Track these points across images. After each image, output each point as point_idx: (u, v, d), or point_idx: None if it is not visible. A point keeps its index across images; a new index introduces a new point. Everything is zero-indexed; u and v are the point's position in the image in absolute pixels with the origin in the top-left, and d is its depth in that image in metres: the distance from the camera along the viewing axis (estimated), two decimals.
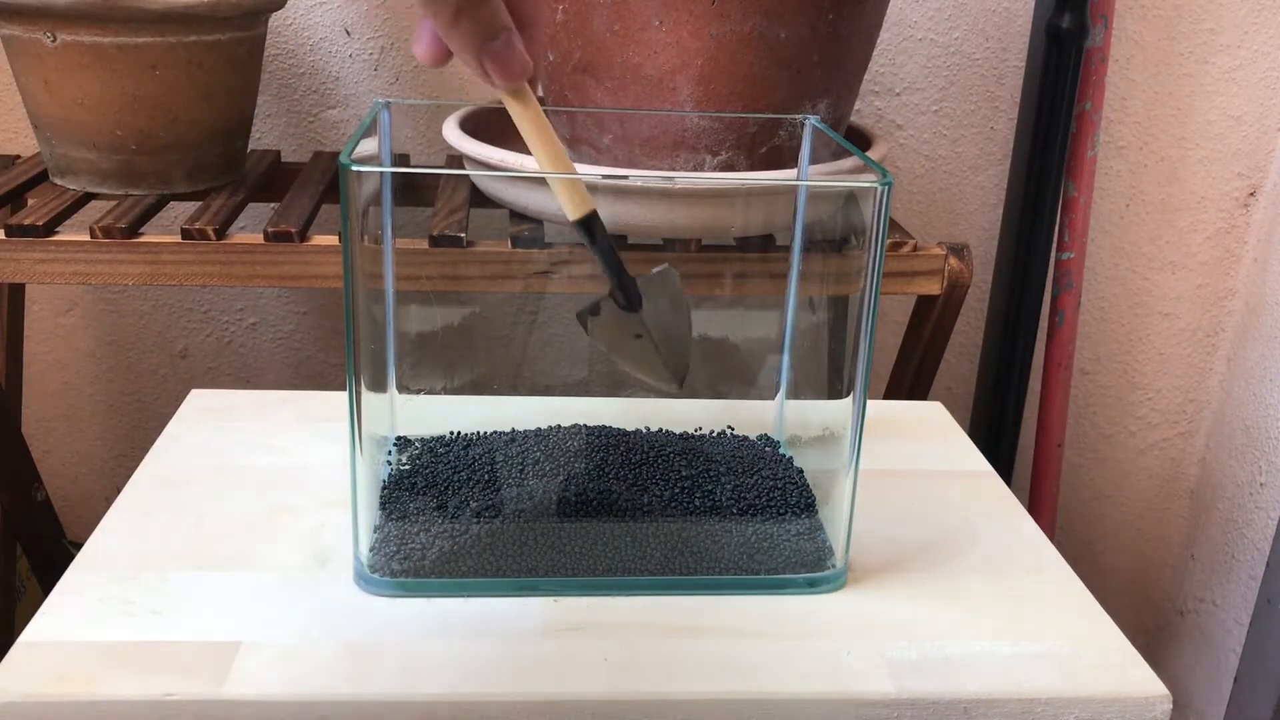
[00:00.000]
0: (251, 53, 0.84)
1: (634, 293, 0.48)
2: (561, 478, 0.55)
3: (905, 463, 0.65)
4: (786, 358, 0.62)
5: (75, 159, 0.81)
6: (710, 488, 0.54)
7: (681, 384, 0.51)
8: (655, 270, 0.49)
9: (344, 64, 1.00)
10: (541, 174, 0.45)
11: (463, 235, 0.74)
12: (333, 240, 0.76)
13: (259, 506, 0.57)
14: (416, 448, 0.58)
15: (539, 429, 0.59)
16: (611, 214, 0.72)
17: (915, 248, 0.80)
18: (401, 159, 0.99)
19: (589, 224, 0.46)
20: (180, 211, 0.95)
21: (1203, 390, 1.20)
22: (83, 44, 0.75)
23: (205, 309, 1.08)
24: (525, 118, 0.44)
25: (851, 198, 0.52)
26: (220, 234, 0.75)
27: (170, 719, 0.44)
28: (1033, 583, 0.54)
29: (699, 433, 0.61)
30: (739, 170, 0.74)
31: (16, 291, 0.96)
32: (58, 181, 0.83)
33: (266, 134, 1.01)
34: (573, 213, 0.45)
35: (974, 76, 1.05)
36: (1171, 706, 0.47)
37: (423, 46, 0.42)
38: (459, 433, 0.59)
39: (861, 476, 0.52)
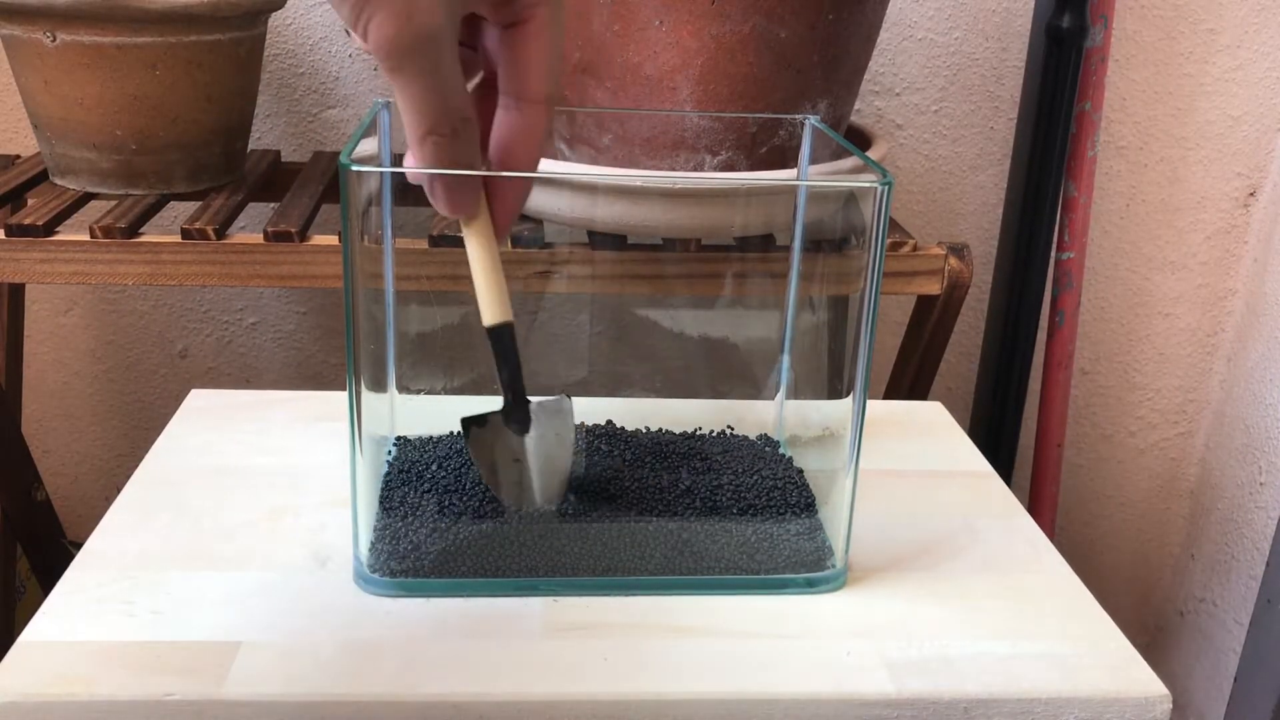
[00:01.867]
0: (251, 53, 0.84)
1: (525, 416, 0.48)
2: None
3: (905, 463, 0.65)
4: (786, 358, 0.62)
5: (75, 159, 0.81)
6: (710, 488, 0.54)
7: (548, 506, 0.51)
8: (551, 399, 0.49)
9: (344, 64, 1.00)
10: (534, 174, 0.45)
11: (462, 235, 0.74)
12: (333, 240, 0.76)
13: (259, 506, 0.57)
14: (416, 448, 0.58)
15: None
16: (612, 214, 0.73)
17: (915, 248, 0.80)
18: (401, 159, 0.99)
19: (501, 334, 0.46)
20: (180, 211, 0.95)
21: (1203, 390, 1.20)
22: (83, 44, 0.75)
23: (205, 309, 1.08)
24: (473, 236, 0.44)
25: (851, 198, 0.52)
26: (220, 234, 0.75)
27: (170, 719, 0.44)
28: (1033, 583, 0.54)
29: (699, 433, 0.61)
30: (739, 170, 0.74)
31: (16, 291, 0.96)
32: (58, 181, 0.83)
33: (266, 134, 1.01)
34: (489, 318, 0.46)
35: (974, 76, 1.05)
36: (1171, 706, 0.47)
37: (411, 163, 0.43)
38: (459, 433, 0.59)
39: (861, 476, 0.52)
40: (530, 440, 0.50)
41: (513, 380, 0.47)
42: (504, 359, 0.47)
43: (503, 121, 0.43)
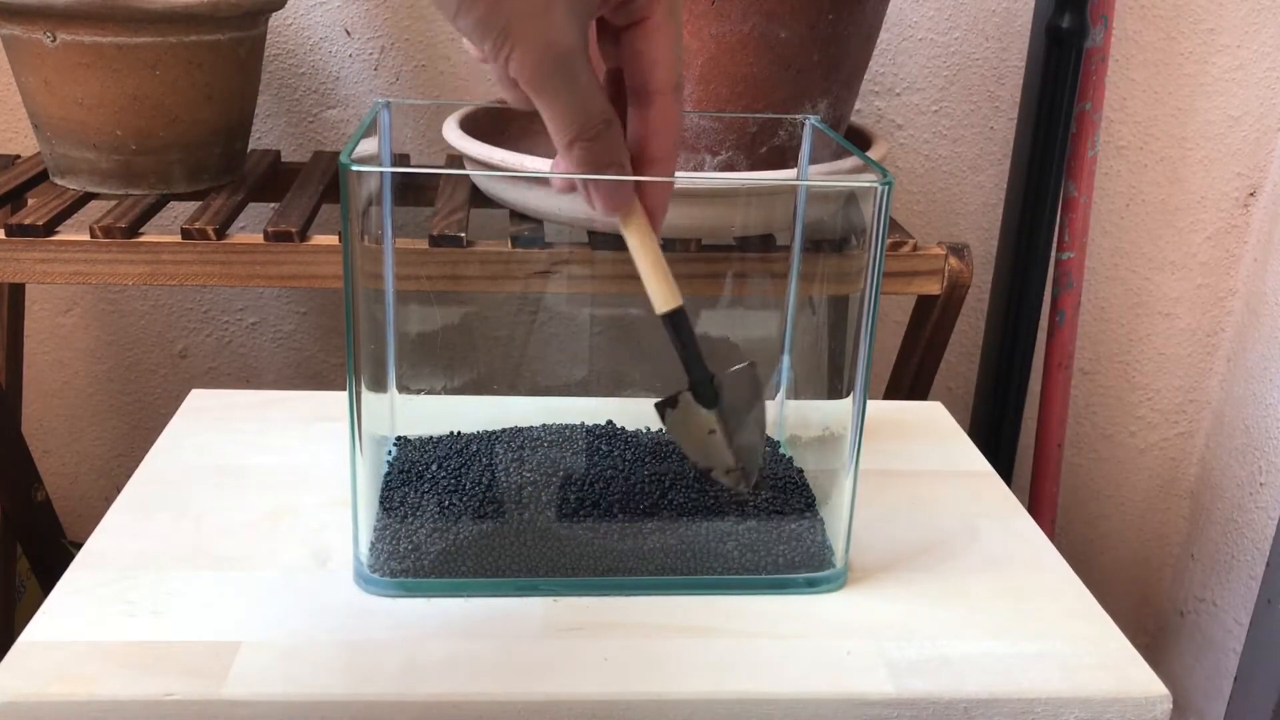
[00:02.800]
0: (251, 53, 0.84)
1: (710, 389, 0.49)
2: (561, 478, 0.55)
3: (905, 463, 0.65)
4: (786, 358, 0.62)
5: (75, 159, 0.81)
6: (710, 488, 0.54)
7: (755, 487, 0.51)
8: (735, 368, 0.50)
9: (344, 64, 1.00)
10: (554, 174, 0.45)
11: (463, 235, 0.74)
12: (333, 240, 0.76)
13: (259, 506, 0.57)
14: (416, 447, 0.58)
15: (539, 429, 0.59)
16: None
17: (915, 248, 0.80)
18: (401, 159, 0.99)
19: (675, 318, 0.47)
20: (180, 211, 0.95)
21: (1203, 390, 1.20)
22: (83, 44, 0.75)
23: (205, 309, 1.08)
24: (631, 231, 0.45)
25: (851, 197, 0.52)
26: (220, 234, 0.75)
27: (170, 719, 0.44)
28: (1033, 583, 0.54)
29: None
30: (739, 170, 0.74)
31: (16, 291, 0.96)
32: (58, 181, 0.83)
33: (266, 134, 1.01)
34: (662, 305, 0.47)
35: (974, 76, 1.05)
36: (1171, 706, 0.47)
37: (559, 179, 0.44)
38: (459, 432, 0.59)
39: (861, 476, 0.52)
40: (722, 411, 0.50)
41: (693, 358, 0.48)
42: (682, 341, 0.48)
43: (636, 117, 0.44)
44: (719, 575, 0.52)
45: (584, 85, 0.41)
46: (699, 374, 0.48)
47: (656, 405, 0.49)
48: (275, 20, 0.97)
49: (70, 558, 0.52)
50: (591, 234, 0.76)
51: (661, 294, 0.46)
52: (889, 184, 0.47)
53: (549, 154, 0.83)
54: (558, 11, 0.39)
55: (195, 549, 0.53)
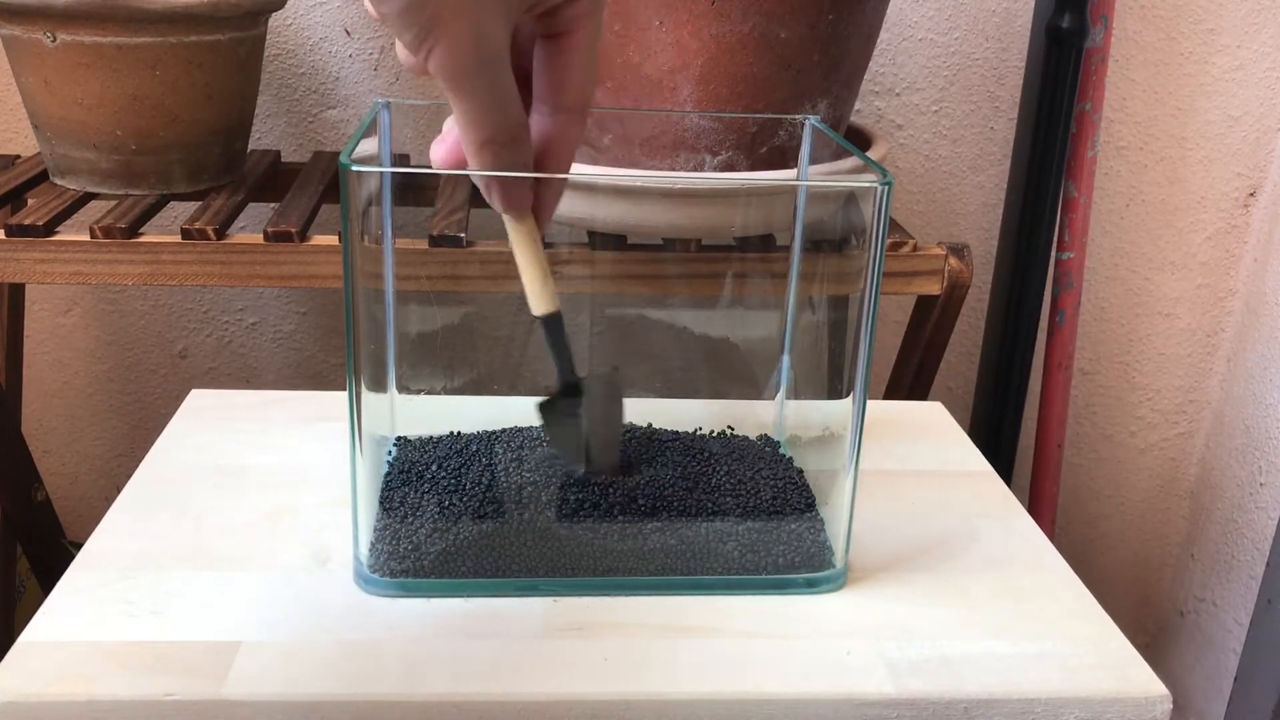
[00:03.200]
0: (251, 53, 0.84)
1: (578, 392, 0.51)
2: (561, 477, 0.55)
3: (905, 463, 0.65)
4: (786, 358, 0.62)
5: (75, 159, 0.81)
6: (710, 488, 0.54)
7: (608, 474, 0.54)
8: (600, 372, 0.52)
9: (344, 64, 1.00)
10: (534, 174, 0.45)
11: (463, 235, 0.74)
12: (333, 240, 0.76)
13: (259, 506, 0.57)
14: (416, 447, 0.58)
15: (539, 428, 0.59)
16: (612, 214, 0.73)
17: (915, 248, 0.80)
18: (401, 159, 0.99)
19: (552, 322, 0.49)
20: (180, 211, 0.95)
21: (1203, 390, 1.20)
22: (83, 44, 0.75)
23: (205, 309, 1.08)
24: (516, 233, 0.47)
25: (851, 198, 0.52)
26: (220, 234, 0.75)
27: (170, 719, 0.44)
28: (1033, 583, 0.54)
29: (699, 433, 0.61)
30: (739, 170, 0.74)
31: (16, 291, 0.96)
32: (58, 181, 0.83)
33: (266, 134, 1.01)
34: (539, 308, 0.48)
35: (974, 76, 1.05)
36: (1171, 706, 0.47)
37: (443, 149, 0.45)
38: (459, 432, 0.59)
39: (861, 476, 0.52)
40: (584, 407, 0.52)
41: (565, 362, 0.50)
42: (555, 345, 0.49)
43: (538, 127, 0.45)
44: (719, 575, 0.52)
45: (503, 89, 0.41)
46: (568, 377, 0.50)
47: (538, 405, 0.52)
48: (275, 20, 0.97)
49: (70, 558, 0.52)
50: (591, 234, 0.76)
51: (541, 297, 0.48)
52: (889, 184, 0.47)
53: None
54: (487, 10, 0.38)
55: (195, 549, 0.53)
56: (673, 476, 0.55)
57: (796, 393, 0.61)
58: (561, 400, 0.51)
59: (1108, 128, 1.07)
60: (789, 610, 0.51)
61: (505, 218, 0.46)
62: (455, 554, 0.50)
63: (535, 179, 0.45)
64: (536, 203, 0.46)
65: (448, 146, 0.45)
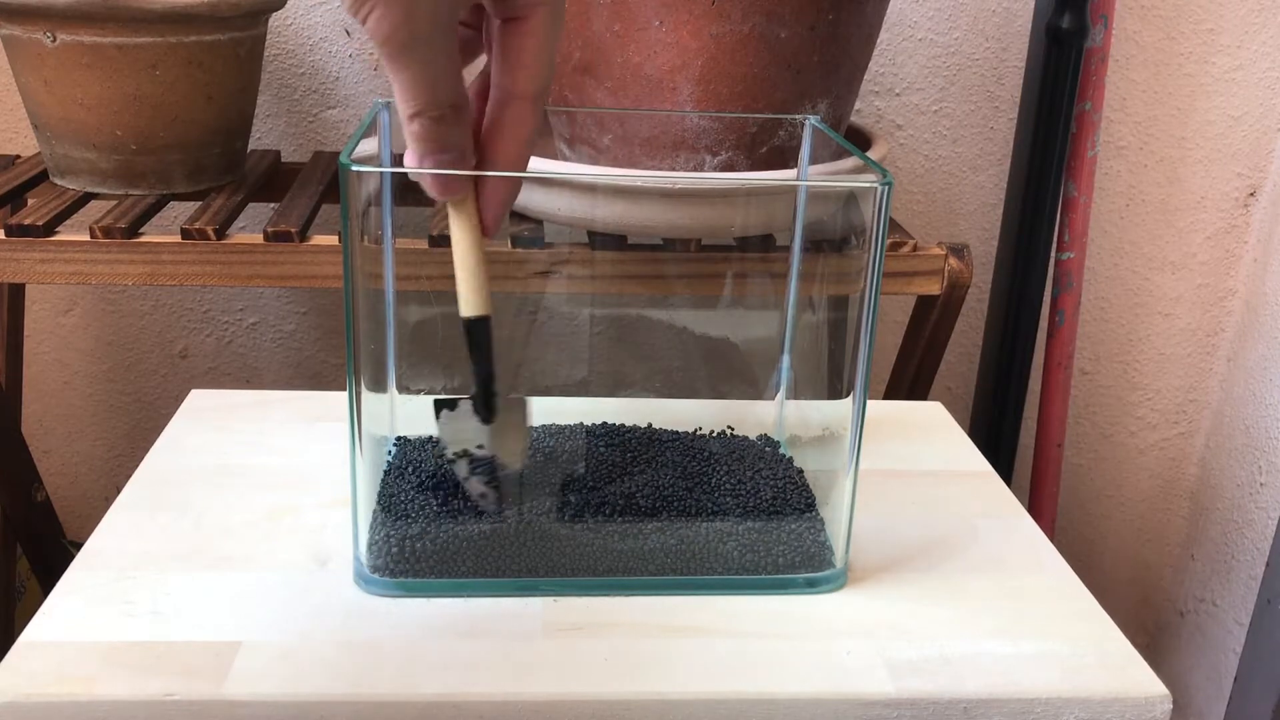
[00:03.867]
0: (251, 53, 0.84)
1: (493, 407, 0.49)
2: (561, 477, 0.55)
3: (905, 463, 0.65)
4: (786, 358, 0.62)
5: (75, 159, 0.81)
6: (710, 488, 0.54)
7: (499, 505, 0.52)
8: (514, 396, 0.50)
9: (344, 64, 1.00)
10: (534, 174, 0.45)
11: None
12: (333, 240, 0.76)
13: (259, 506, 0.57)
14: (416, 447, 0.58)
15: (539, 428, 0.59)
16: (611, 214, 0.73)
17: (915, 248, 0.80)
18: (401, 159, 0.99)
19: (476, 327, 0.47)
20: (180, 211, 0.95)
21: (1203, 390, 1.20)
22: (83, 44, 0.75)
23: (205, 309, 1.08)
24: (458, 226, 0.45)
25: (851, 198, 0.52)
26: (220, 234, 0.75)
27: (170, 719, 0.44)
28: (1033, 583, 0.54)
29: (699, 433, 0.61)
30: (739, 170, 0.74)
31: (16, 291, 0.96)
32: (58, 181, 0.83)
33: (266, 134, 1.01)
34: (468, 310, 0.46)
35: (974, 76, 1.05)
36: (1171, 706, 0.47)
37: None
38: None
39: (861, 476, 0.52)
40: (492, 431, 0.50)
41: (484, 373, 0.48)
42: (478, 352, 0.48)
43: (490, 113, 0.44)
44: (719, 575, 0.52)
45: (441, 65, 0.40)
46: (486, 387, 0.49)
47: (435, 402, 0.50)
48: (275, 20, 0.97)
49: (70, 558, 0.52)
50: (591, 234, 0.76)
51: (472, 299, 0.46)
52: (889, 184, 0.47)
53: (549, 154, 0.84)
54: None
55: (195, 549, 0.53)
56: (673, 476, 0.55)
57: (796, 393, 0.61)
58: (471, 412, 0.49)
59: (1108, 128, 1.07)
60: (789, 610, 0.51)
61: (448, 207, 0.45)
62: (455, 554, 0.50)
63: (478, 166, 0.44)
64: (481, 194, 0.44)
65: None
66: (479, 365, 0.48)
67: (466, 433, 0.50)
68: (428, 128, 0.42)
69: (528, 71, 0.43)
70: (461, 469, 0.51)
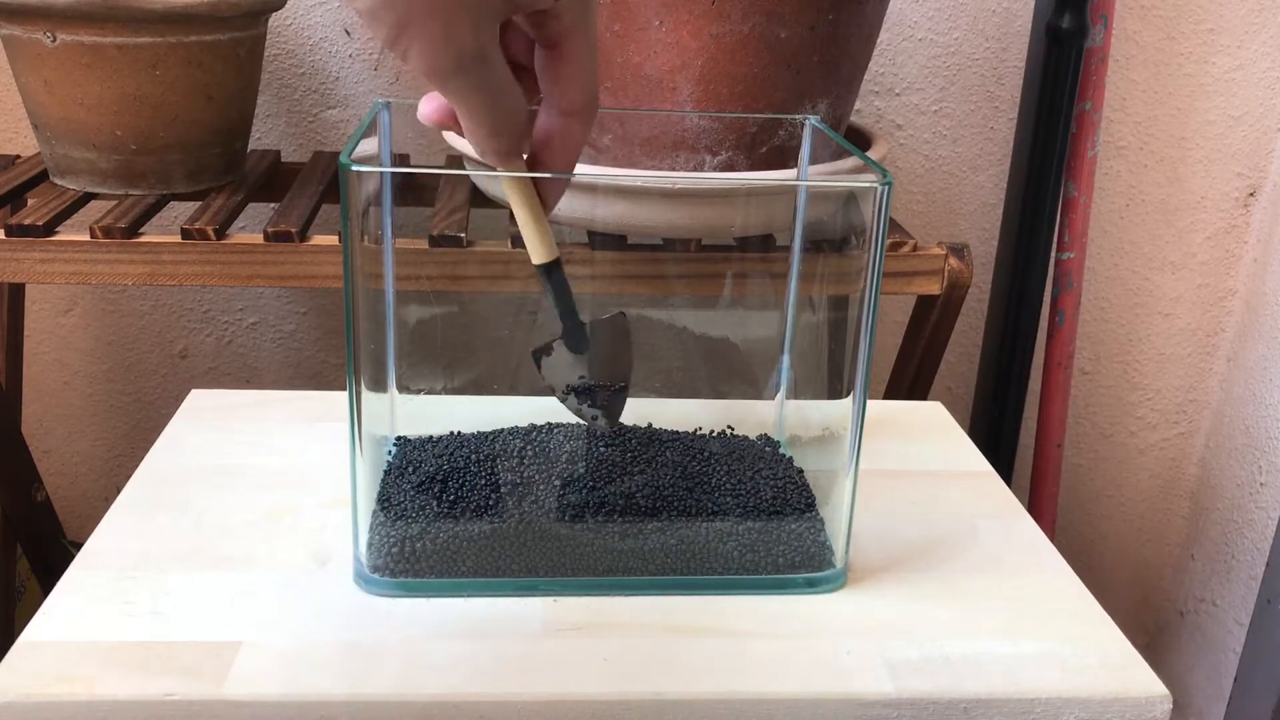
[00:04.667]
0: (251, 53, 0.84)
1: (583, 337, 0.52)
2: (561, 477, 0.55)
3: (905, 463, 0.65)
4: (786, 358, 0.62)
5: (75, 159, 0.81)
6: (710, 488, 0.54)
7: (616, 423, 0.55)
8: (607, 315, 0.53)
9: (344, 64, 1.00)
10: (533, 174, 0.45)
11: (463, 235, 0.74)
12: (333, 240, 0.76)
13: (259, 506, 0.57)
14: (416, 447, 0.58)
15: (539, 428, 0.59)
16: (611, 214, 0.73)
17: (915, 248, 0.80)
18: (401, 159, 0.99)
19: (551, 270, 0.49)
20: (180, 211, 0.95)
21: (1203, 390, 1.20)
22: (83, 44, 0.75)
23: (205, 309, 1.08)
24: (510, 188, 0.46)
25: (851, 198, 0.52)
26: (220, 234, 0.75)
27: (170, 719, 0.44)
28: (1033, 583, 0.54)
29: (699, 433, 0.61)
30: (739, 170, 0.74)
31: (16, 291, 0.96)
32: (58, 181, 0.83)
33: (266, 134, 1.01)
34: (538, 257, 0.48)
35: (974, 76, 1.05)
36: (1171, 706, 0.47)
37: (430, 105, 0.44)
38: (459, 432, 0.59)
39: (861, 476, 0.52)
40: (592, 359, 0.53)
41: (567, 308, 0.51)
42: (557, 292, 0.50)
43: (542, 124, 0.45)
44: (719, 575, 0.52)
45: (493, 85, 0.41)
46: (571, 322, 0.51)
47: (533, 352, 0.53)
48: (275, 20, 0.97)
49: (70, 558, 0.52)
50: (591, 234, 0.76)
51: (540, 248, 0.48)
52: (889, 184, 0.47)
53: None
54: (458, 10, 0.38)
55: (195, 549, 0.53)
56: (673, 476, 0.55)
57: (796, 393, 0.61)
58: (565, 349, 0.52)
59: (1108, 128, 1.07)
60: (789, 610, 0.51)
61: (502, 176, 0.46)
62: (455, 554, 0.50)
63: (541, 167, 0.45)
64: (546, 188, 0.46)
65: (435, 104, 0.44)
66: (561, 304, 0.50)
67: (567, 369, 0.52)
68: (502, 150, 0.43)
69: (574, 92, 0.44)
70: (572, 403, 0.53)
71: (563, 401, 0.54)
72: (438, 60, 0.39)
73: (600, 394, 0.53)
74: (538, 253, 0.48)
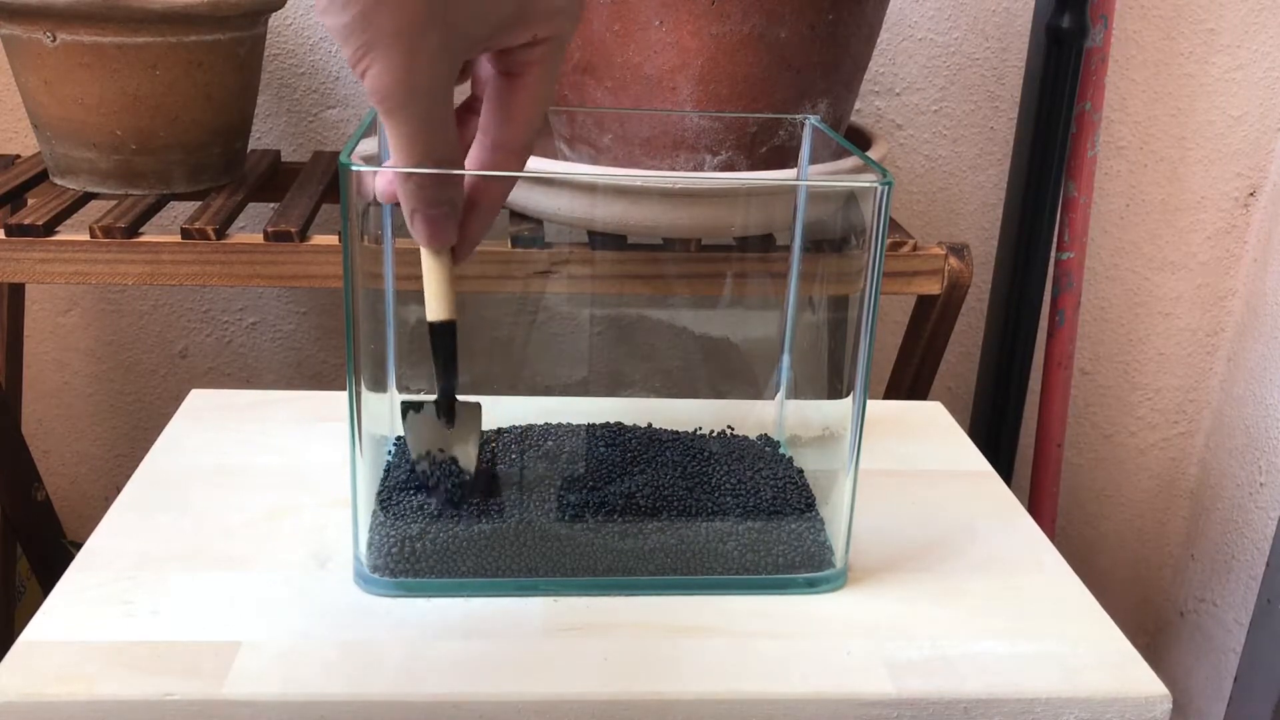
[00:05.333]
0: (251, 53, 0.84)
1: (451, 410, 0.51)
2: (561, 477, 0.55)
3: (905, 463, 0.65)
4: (786, 358, 0.62)
5: (75, 159, 0.81)
6: (710, 487, 0.54)
7: (454, 503, 0.53)
8: (469, 401, 0.52)
9: (344, 64, 1.00)
10: (526, 172, 0.45)
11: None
12: (333, 240, 0.76)
13: (259, 506, 0.57)
14: None
15: (539, 428, 0.59)
16: (612, 214, 0.73)
17: (915, 248, 0.80)
18: None
19: (443, 329, 0.48)
20: (180, 211, 0.95)
21: (1203, 390, 1.20)
22: (83, 44, 0.75)
23: (205, 309, 1.08)
24: (430, 267, 0.46)
25: (851, 198, 0.52)
26: (220, 234, 0.75)
27: (170, 719, 0.44)
28: (1033, 583, 0.54)
29: (699, 433, 0.61)
30: (739, 170, 0.74)
31: (16, 291, 0.96)
32: (58, 181, 0.83)
33: (266, 134, 1.01)
34: (434, 314, 0.47)
35: (974, 76, 1.05)
36: (1171, 706, 0.47)
37: (382, 181, 0.45)
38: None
39: (861, 476, 0.52)
40: (452, 435, 0.52)
41: (450, 374, 0.50)
42: (445, 355, 0.49)
43: (475, 159, 0.44)
44: (719, 575, 0.52)
45: (437, 123, 0.41)
46: (447, 387, 0.50)
47: (403, 403, 0.52)
48: (275, 20, 0.97)
49: (70, 558, 0.52)
50: (591, 234, 0.76)
51: (435, 305, 0.47)
52: (889, 184, 0.47)
53: (549, 154, 0.84)
54: (428, 43, 0.38)
55: (195, 549, 0.53)
56: (673, 476, 0.55)
57: (796, 393, 0.61)
58: (434, 413, 0.51)
59: (1108, 128, 1.07)
60: (789, 610, 0.51)
61: (423, 253, 0.46)
62: (455, 554, 0.50)
63: (465, 213, 0.45)
64: (461, 235, 0.45)
65: (385, 180, 0.45)
66: (444, 368, 0.49)
67: (429, 435, 0.51)
68: (423, 183, 0.42)
69: (519, 126, 0.43)
70: (423, 469, 0.52)
71: (414, 467, 0.52)
72: (393, 88, 0.39)
73: (453, 473, 0.52)
74: (435, 309, 0.47)
